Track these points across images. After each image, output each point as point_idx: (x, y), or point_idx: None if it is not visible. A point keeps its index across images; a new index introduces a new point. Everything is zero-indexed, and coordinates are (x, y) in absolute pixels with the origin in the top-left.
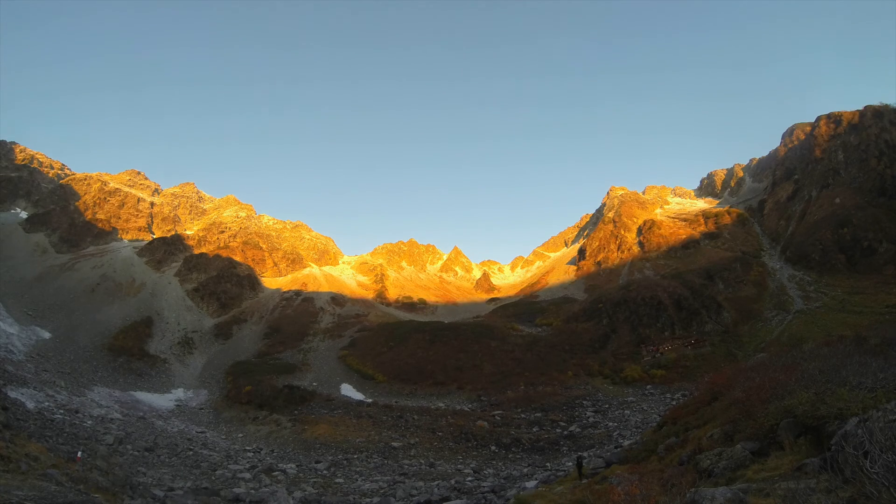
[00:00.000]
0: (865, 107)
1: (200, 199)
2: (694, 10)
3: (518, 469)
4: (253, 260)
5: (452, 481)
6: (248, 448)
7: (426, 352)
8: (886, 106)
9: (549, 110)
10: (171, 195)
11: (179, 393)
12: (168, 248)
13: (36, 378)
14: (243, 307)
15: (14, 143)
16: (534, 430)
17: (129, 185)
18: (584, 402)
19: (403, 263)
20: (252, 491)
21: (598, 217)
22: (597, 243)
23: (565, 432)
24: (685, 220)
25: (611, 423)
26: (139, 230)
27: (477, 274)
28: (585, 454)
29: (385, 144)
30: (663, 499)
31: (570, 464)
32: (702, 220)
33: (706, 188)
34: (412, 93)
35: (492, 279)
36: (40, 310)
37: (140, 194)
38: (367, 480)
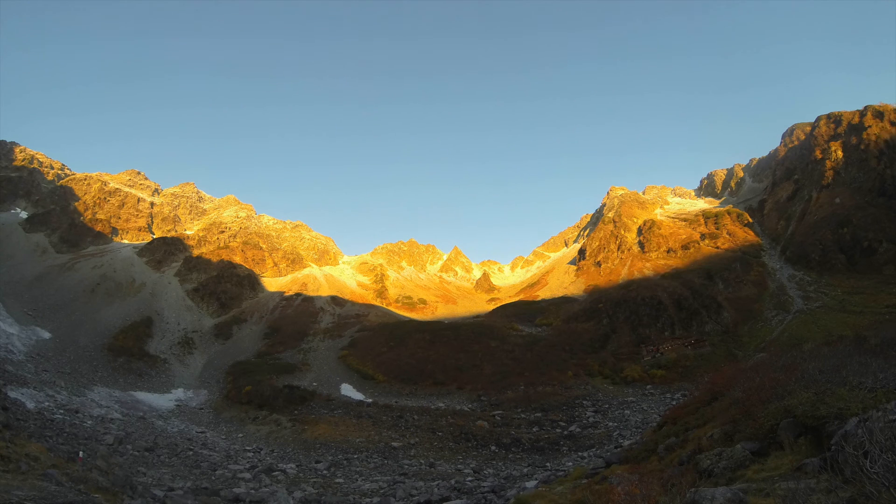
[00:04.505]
0: (865, 107)
1: (200, 199)
2: (694, 11)
3: (518, 469)
4: (253, 260)
5: (452, 481)
6: (248, 448)
7: (426, 352)
8: (886, 106)
9: (550, 111)
10: (171, 195)
11: (179, 393)
12: (168, 248)
13: (36, 378)
14: (243, 307)
15: (14, 143)
16: (534, 430)
17: (129, 185)
18: (584, 402)
19: (403, 263)
20: (252, 491)
21: (598, 217)
22: (597, 243)
23: (565, 432)
24: (685, 220)
25: (611, 423)
26: (139, 230)
27: (477, 274)
28: (586, 454)
29: (385, 145)
30: (663, 499)
31: (571, 464)
32: (702, 220)
33: (706, 188)
34: (412, 93)
35: (492, 279)
36: (40, 310)
37: (140, 194)
38: (367, 480)
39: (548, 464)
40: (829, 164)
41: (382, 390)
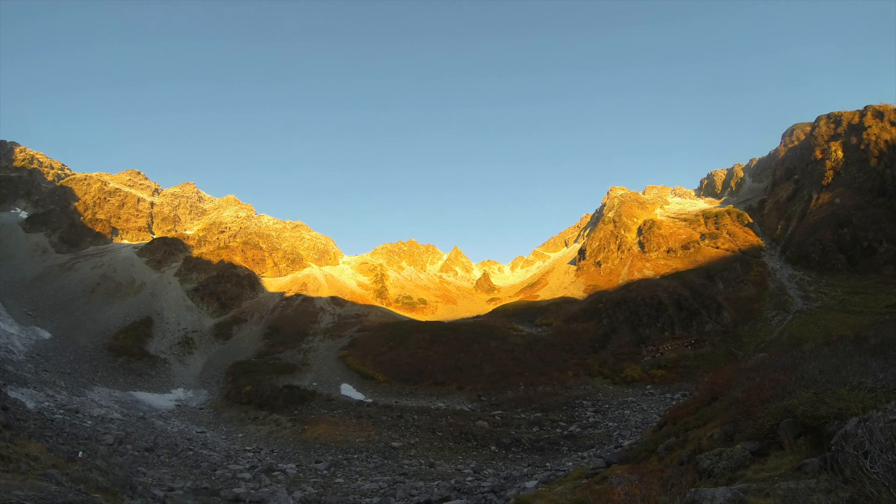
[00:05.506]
0: (865, 107)
1: (200, 199)
2: (695, 13)
3: (518, 469)
4: (253, 260)
5: (452, 481)
6: (248, 448)
7: (426, 352)
8: (886, 106)
9: (550, 111)
10: (171, 195)
11: (179, 393)
12: (168, 248)
13: (36, 378)
14: (243, 307)
15: (14, 143)
16: (534, 430)
17: (129, 185)
18: (584, 402)
19: (403, 263)
20: (252, 491)
21: (598, 217)
22: (597, 243)
23: (565, 432)
24: (685, 220)
25: (611, 423)
26: (139, 230)
27: (477, 274)
28: (586, 454)
29: (385, 144)
30: (663, 499)
31: (571, 464)
32: (702, 220)
33: (706, 188)
34: (412, 92)
35: (492, 279)
36: (40, 310)
37: (140, 194)
38: (367, 480)
39: (548, 464)
40: (829, 164)
41: (382, 390)
